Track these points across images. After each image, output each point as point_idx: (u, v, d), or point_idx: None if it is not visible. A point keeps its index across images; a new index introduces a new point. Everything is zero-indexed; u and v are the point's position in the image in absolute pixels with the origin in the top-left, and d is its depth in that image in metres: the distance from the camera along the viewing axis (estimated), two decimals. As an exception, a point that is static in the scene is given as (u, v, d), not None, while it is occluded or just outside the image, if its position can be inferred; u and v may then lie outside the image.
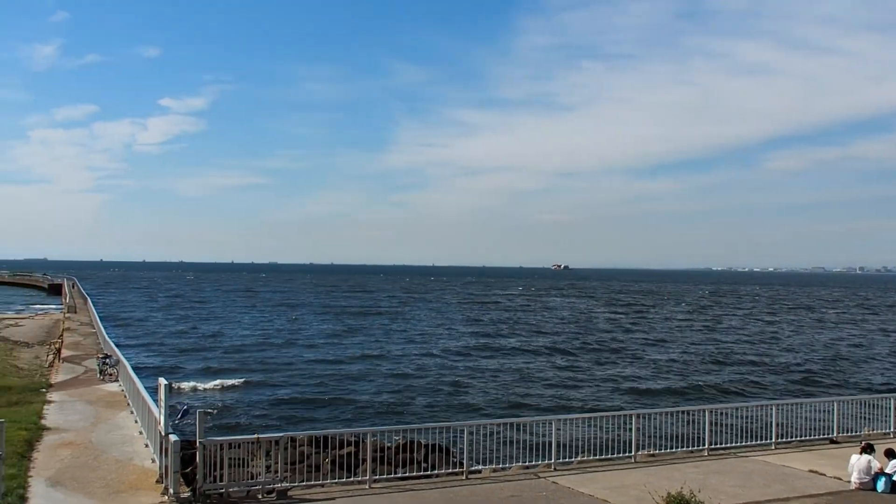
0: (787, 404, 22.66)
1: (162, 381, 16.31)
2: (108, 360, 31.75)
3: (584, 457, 19.26)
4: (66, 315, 65.84)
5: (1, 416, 17.25)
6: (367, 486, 16.29)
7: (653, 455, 19.72)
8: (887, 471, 16.59)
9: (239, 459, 15.71)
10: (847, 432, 22.14)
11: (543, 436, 19.69)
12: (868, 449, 16.97)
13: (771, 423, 21.03)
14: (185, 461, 16.24)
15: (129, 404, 24.74)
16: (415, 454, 22.05)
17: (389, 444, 22.19)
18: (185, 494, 15.07)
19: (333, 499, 15.45)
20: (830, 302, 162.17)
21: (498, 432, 19.42)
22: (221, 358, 56.37)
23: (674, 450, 20.11)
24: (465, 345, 68.19)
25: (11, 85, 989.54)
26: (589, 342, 72.21)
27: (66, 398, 26.81)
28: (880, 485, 16.43)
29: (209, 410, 26.84)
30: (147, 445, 19.12)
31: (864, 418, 22.99)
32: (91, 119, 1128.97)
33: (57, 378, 31.80)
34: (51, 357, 38.92)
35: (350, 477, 17.14)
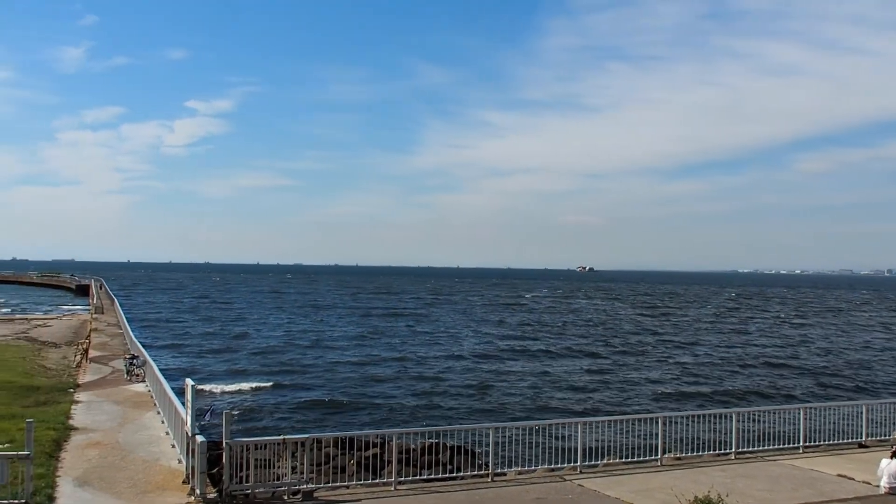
0: (815, 408, 22.32)
1: (189, 381, 16.40)
2: (134, 361, 31.98)
3: (609, 460, 19.11)
4: (94, 316, 66.49)
5: (29, 416, 17.47)
6: (392, 488, 16.26)
7: (679, 458, 19.53)
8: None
9: (265, 460, 15.75)
10: (876, 436, 21.80)
11: (569, 439, 19.55)
12: (899, 453, 16.68)
13: (798, 426, 20.75)
14: (212, 462, 16.33)
15: (155, 405, 24.91)
16: (440, 456, 22.00)
17: (414, 446, 22.18)
18: (212, 495, 15.14)
19: (359, 500, 15.45)
20: (859, 305, 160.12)
21: (523, 435, 19.31)
22: (247, 359, 56.70)
23: (700, 453, 19.90)
24: (491, 347, 68.09)
25: (41, 87, 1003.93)
26: (615, 345, 71.81)
27: (94, 398, 27.05)
28: (911, 490, 16.14)
29: (235, 412, 27.02)
30: (174, 446, 19.23)
31: (894, 422, 22.61)
32: (119, 121, 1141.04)
33: (84, 378, 32.09)
34: (78, 357, 39.30)
35: (375, 478, 17.14)
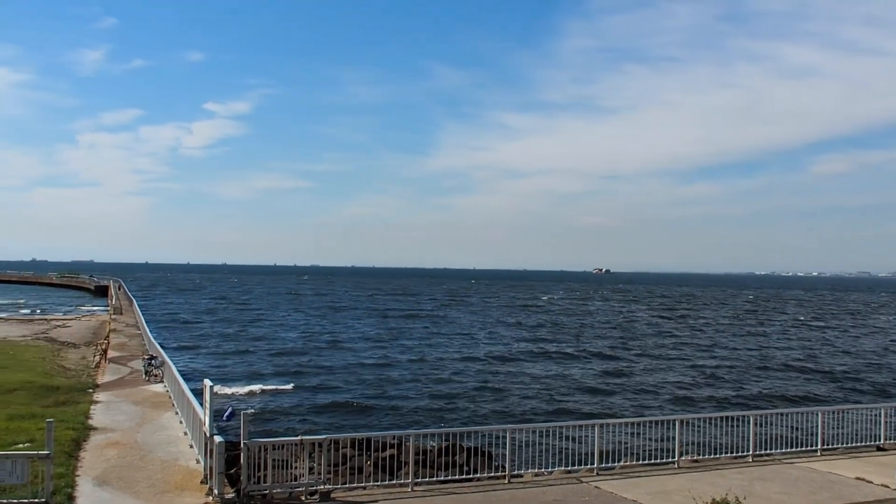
0: (833, 410, 22.16)
1: (207, 382, 16.51)
2: (153, 362, 32.20)
3: (626, 462, 19.07)
4: (112, 316, 67.03)
5: (49, 416, 17.65)
6: (409, 489, 16.30)
7: (696, 461, 19.46)
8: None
9: (282, 461, 15.83)
10: (895, 439, 21.62)
11: (585, 440, 19.51)
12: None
13: (816, 429, 20.62)
14: (230, 462, 16.42)
15: (173, 405, 25.08)
16: (456, 457, 22.01)
17: (430, 447, 22.20)
18: (230, 495, 15.24)
19: (376, 501, 15.50)
20: (877, 307, 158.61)
21: (539, 436, 19.31)
22: (265, 361, 56.92)
23: (717, 455, 19.82)
24: (507, 349, 68.05)
25: (60, 90, 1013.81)
26: (631, 347, 71.57)
27: (113, 398, 27.26)
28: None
29: (252, 413, 27.11)
30: (192, 446, 19.35)
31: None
32: (137, 123, 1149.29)
33: (103, 379, 32.36)
34: (97, 358, 39.64)
35: (392, 479, 17.18)
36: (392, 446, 22.47)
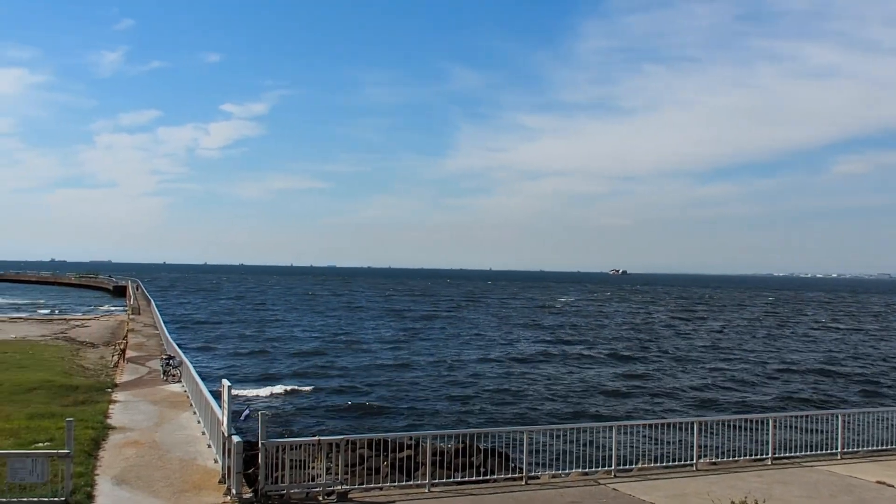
0: (854, 413, 21.89)
1: (225, 382, 16.57)
2: (171, 362, 32.37)
3: (644, 464, 18.96)
4: (130, 316, 67.48)
5: (68, 415, 17.76)
6: (426, 490, 16.28)
7: (714, 463, 19.32)
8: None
9: (299, 461, 15.85)
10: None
11: (603, 442, 19.43)
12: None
13: (837, 432, 20.40)
14: (247, 462, 16.47)
15: (191, 405, 25.20)
16: (473, 458, 21.98)
17: (447, 448, 22.20)
18: (248, 495, 15.27)
19: (393, 502, 15.49)
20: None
21: (556, 438, 19.24)
22: (282, 362, 57.12)
23: (736, 458, 19.67)
24: (525, 350, 67.92)
25: (79, 91, 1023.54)
26: (649, 349, 71.25)
27: (131, 398, 27.43)
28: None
29: (270, 413, 27.18)
30: (210, 446, 19.43)
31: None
32: (155, 124, 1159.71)
33: (122, 378, 32.57)
34: (115, 358, 39.86)
35: (408, 480, 17.17)
36: (409, 447, 22.50)
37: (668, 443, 20.43)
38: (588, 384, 49.33)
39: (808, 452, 20.20)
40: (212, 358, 57.56)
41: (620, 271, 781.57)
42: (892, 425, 21.42)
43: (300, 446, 16.09)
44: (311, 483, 15.72)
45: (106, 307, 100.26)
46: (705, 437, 19.81)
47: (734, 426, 20.99)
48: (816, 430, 21.61)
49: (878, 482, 17.55)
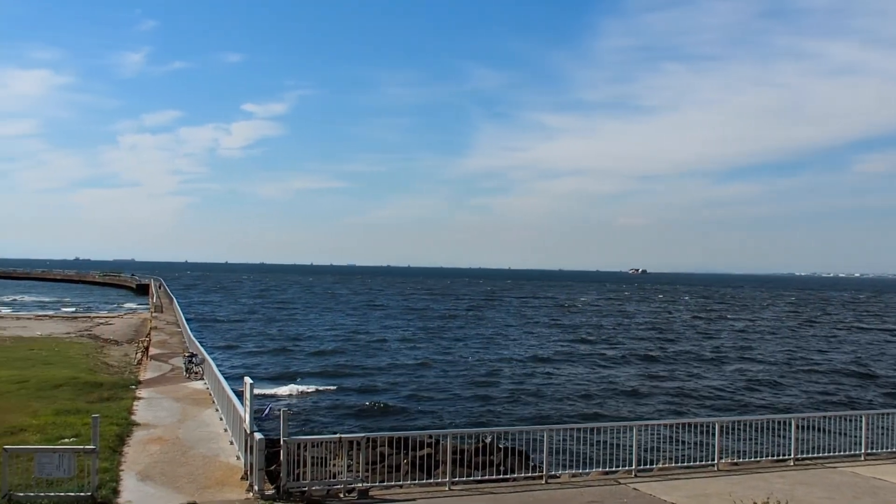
0: (878, 414, 21.68)
1: (248, 380, 16.72)
2: (193, 359, 32.62)
3: (664, 464, 18.91)
4: (153, 314, 68.08)
5: (94, 412, 18.05)
6: (446, 488, 16.35)
7: (736, 464, 19.23)
8: None
9: (320, 458, 15.98)
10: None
11: (623, 442, 19.41)
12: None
13: (860, 433, 20.22)
14: (269, 459, 16.61)
15: (214, 402, 25.42)
16: (492, 457, 22.02)
17: (466, 447, 22.24)
18: (270, 491, 15.42)
19: (414, 499, 15.58)
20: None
21: (577, 437, 19.22)
22: (302, 360, 57.42)
23: (758, 459, 19.57)
24: (544, 350, 67.82)
25: (102, 92, 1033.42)
26: (669, 348, 70.90)
27: (155, 395, 27.71)
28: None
29: (291, 411, 27.37)
30: (232, 443, 19.61)
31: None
32: (177, 124, 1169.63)
33: (145, 375, 32.90)
34: (139, 355, 40.28)
35: (428, 478, 17.23)
36: (428, 445, 22.56)
37: (689, 443, 20.39)
38: (608, 384, 49.17)
39: (831, 454, 20.05)
40: (233, 356, 57.96)
41: (640, 270, 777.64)
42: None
43: (321, 444, 16.21)
44: (332, 480, 15.84)
45: (129, 305, 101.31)
46: (727, 437, 19.70)
47: (756, 427, 20.87)
48: (839, 432, 21.41)
49: (902, 484, 17.41)
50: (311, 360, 57.55)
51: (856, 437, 20.39)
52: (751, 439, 20.35)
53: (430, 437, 23.18)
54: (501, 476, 18.00)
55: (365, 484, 15.90)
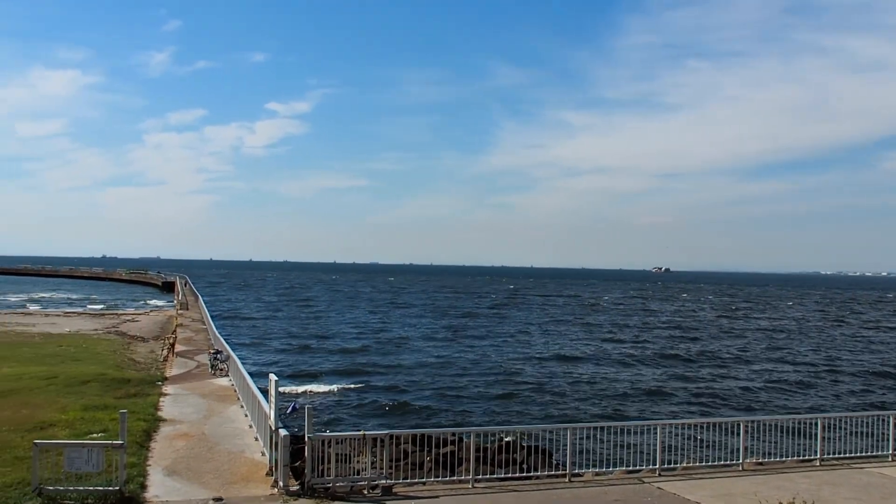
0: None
1: (272, 377, 16.85)
2: (218, 356, 32.89)
3: (688, 463, 18.81)
4: (179, 312, 68.67)
5: (121, 407, 18.23)
6: (469, 485, 16.40)
7: (761, 463, 19.09)
8: None
9: (344, 455, 16.07)
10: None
11: (647, 441, 19.32)
12: None
13: (888, 433, 20.00)
14: (293, 455, 16.75)
15: (239, 399, 25.62)
16: (515, 455, 22.03)
17: (488, 445, 22.26)
18: (294, 487, 15.54)
19: (437, 496, 15.63)
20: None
21: (600, 436, 19.19)
22: (325, 358, 57.70)
23: (783, 459, 19.41)
24: (567, 348, 67.67)
25: (128, 91, 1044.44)
26: (693, 348, 70.44)
27: (180, 391, 27.98)
28: None
29: (315, 408, 27.53)
30: (257, 439, 19.76)
31: None
32: (202, 123, 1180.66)
33: (171, 372, 33.23)
34: (165, 352, 40.73)
35: (451, 476, 17.28)
36: (451, 443, 22.64)
37: (714, 442, 20.26)
38: (632, 383, 48.95)
39: (858, 454, 19.84)
40: (258, 353, 58.36)
41: (663, 269, 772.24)
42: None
43: (345, 440, 16.31)
44: (355, 477, 15.93)
45: (155, 302, 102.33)
46: (751, 437, 19.55)
47: (781, 427, 20.69)
48: (867, 432, 21.16)
49: (931, 485, 17.20)
50: (335, 357, 57.81)
51: (884, 437, 20.17)
52: (776, 440, 20.17)
53: (453, 434, 23.24)
54: (524, 474, 18.00)
55: (388, 481, 15.99)
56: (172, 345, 43.22)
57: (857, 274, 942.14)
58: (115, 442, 15.10)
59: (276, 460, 15.94)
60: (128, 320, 64.19)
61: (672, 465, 18.36)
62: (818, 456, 19.22)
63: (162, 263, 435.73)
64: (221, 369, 31.90)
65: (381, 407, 39.24)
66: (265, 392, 18.31)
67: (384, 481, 15.87)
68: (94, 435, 19.13)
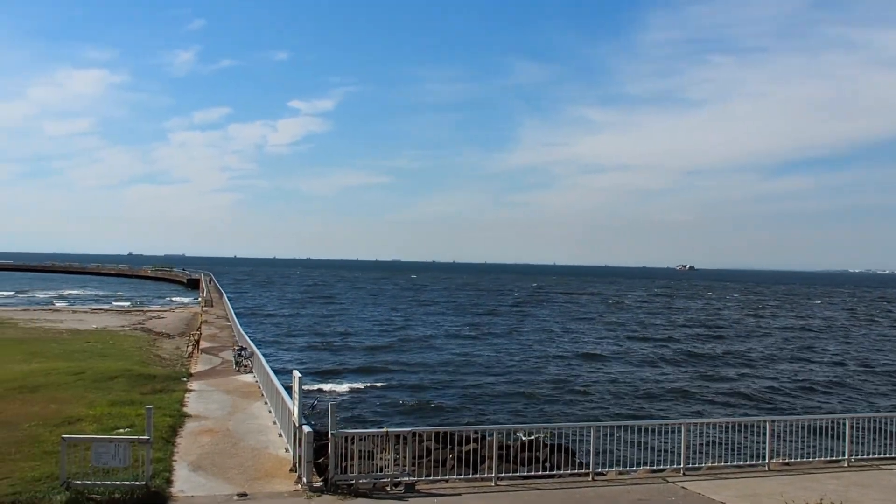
0: (938, 415, 21.11)
1: (296, 373, 16.93)
2: (243, 353, 33.09)
3: (713, 463, 18.65)
4: (204, 308, 69.18)
5: (147, 403, 18.41)
6: (492, 483, 16.38)
7: (787, 464, 18.89)
8: None
9: (367, 452, 16.13)
10: None
11: (671, 440, 19.18)
12: None
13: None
14: (317, 452, 16.82)
15: (262, 395, 25.77)
16: (538, 453, 21.99)
17: (510, 443, 22.21)
18: (318, 484, 15.61)
19: (459, 494, 15.63)
20: None
21: (624, 435, 19.08)
22: (348, 355, 57.88)
23: (810, 459, 19.19)
24: (591, 346, 67.40)
25: (154, 90, 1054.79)
26: (719, 347, 69.90)
27: (205, 387, 28.20)
28: None
29: (338, 405, 27.58)
30: (281, 435, 19.87)
31: None
32: (226, 121, 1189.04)
33: (196, 368, 33.47)
34: (190, 348, 41.02)
35: (474, 473, 17.27)
36: (474, 441, 22.60)
37: (740, 442, 20.07)
38: (656, 382, 48.65)
39: (888, 455, 19.57)
40: (281, 350, 58.67)
41: (688, 267, 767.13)
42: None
43: (368, 437, 16.36)
44: (378, 473, 15.98)
45: (180, 299, 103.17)
46: (778, 437, 19.33)
47: (809, 427, 20.42)
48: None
49: (962, 487, 16.92)
50: (358, 355, 57.97)
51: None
52: (803, 440, 19.92)
53: (476, 432, 23.23)
54: (547, 472, 17.96)
55: (411, 478, 16.01)
56: (197, 341, 43.54)
57: (886, 272, 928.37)
58: (141, 437, 15.25)
59: (299, 456, 16.03)
60: (153, 317, 64.75)
61: (697, 465, 18.22)
62: (846, 457, 18.99)
63: (187, 261, 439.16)
64: (245, 366, 32.08)
65: (403, 405, 39.29)
66: (289, 389, 18.41)
67: (407, 478, 15.90)
68: (121, 430, 19.32)
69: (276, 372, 24.07)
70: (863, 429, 20.13)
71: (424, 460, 19.88)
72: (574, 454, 22.51)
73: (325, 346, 62.89)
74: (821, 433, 19.92)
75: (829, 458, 19.25)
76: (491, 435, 17.58)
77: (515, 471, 17.64)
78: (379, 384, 44.76)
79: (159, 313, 69.98)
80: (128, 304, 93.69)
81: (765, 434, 18.43)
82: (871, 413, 31.02)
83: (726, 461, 18.79)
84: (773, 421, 19.05)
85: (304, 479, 15.55)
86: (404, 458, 16.09)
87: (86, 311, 70.88)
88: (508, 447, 21.09)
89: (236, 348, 35.19)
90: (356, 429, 18.72)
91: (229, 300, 74.36)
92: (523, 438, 23.57)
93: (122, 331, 50.47)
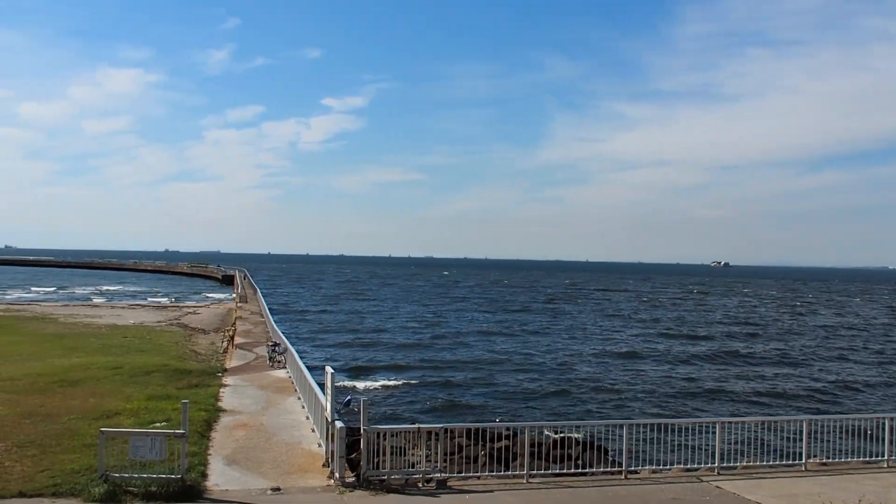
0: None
1: (329, 369, 17.03)
2: (276, 348, 33.36)
3: (749, 462, 18.43)
4: (238, 305, 69.90)
5: (183, 397, 18.61)
6: (524, 480, 16.35)
7: (824, 464, 18.60)
8: None
9: (399, 448, 16.19)
10: None
11: (705, 439, 18.98)
12: None
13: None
14: (349, 447, 16.91)
15: (296, 390, 25.96)
16: (570, 451, 21.91)
17: (542, 440, 22.16)
18: (350, 479, 15.70)
19: (491, 491, 15.62)
20: None
21: (657, 433, 18.91)
22: (380, 352, 58.12)
23: (848, 460, 18.88)
24: (624, 344, 66.95)
25: (189, 90, 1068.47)
26: (755, 345, 69.02)
27: (240, 382, 28.49)
28: None
29: (371, 401, 27.74)
30: (313, 430, 20.00)
31: None
32: (260, 119, 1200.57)
33: (231, 363, 33.83)
34: (225, 344, 41.44)
35: (506, 470, 17.25)
36: (506, 437, 22.60)
37: (776, 442, 19.83)
38: (690, 380, 48.19)
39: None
40: (314, 346, 59.09)
41: (723, 263, 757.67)
42: None
43: (400, 433, 16.43)
44: (410, 469, 16.03)
45: (215, 295, 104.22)
46: (815, 437, 19.04)
47: (847, 427, 20.08)
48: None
49: None
50: (390, 352, 58.17)
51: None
52: (841, 440, 19.61)
53: (508, 429, 23.21)
54: (579, 470, 17.88)
55: (443, 474, 16.03)
56: (232, 337, 44.01)
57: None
58: (177, 431, 15.44)
59: (332, 452, 16.13)
60: (189, 313, 65.54)
61: (732, 464, 18.01)
62: (886, 457, 18.65)
63: (222, 257, 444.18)
64: (279, 361, 32.35)
65: (435, 401, 39.36)
66: (322, 385, 18.53)
67: (439, 474, 15.92)
68: (158, 424, 19.60)
69: (309, 368, 24.22)
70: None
71: (456, 457, 19.94)
72: (607, 452, 22.38)
73: (357, 342, 63.18)
74: (859, 434, 19.59)
75: (867, 459, 18.93)
76: (523, 432, 17.56)
77: (547, 468, 17.61)
78: (411, 381, 44.88)
79: (195, 309, 70.80)
80: (165, 299, 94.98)
81: (801, 434, 18.18)
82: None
83: (762, 461, 18.57)
84: (810, 420, 18.78)
85: (337, 475, 15.65)
86: (436, 454, 16.12)
87: (123, 307, 71.99)
88: (540, 444, 21.07)
89: (270, 344, 35.49)
90: (388, 424, 18.81)
91: (263, 296, 75.03)
92: (554, 436, 23.49)
93: (158, 326, 51.17)
